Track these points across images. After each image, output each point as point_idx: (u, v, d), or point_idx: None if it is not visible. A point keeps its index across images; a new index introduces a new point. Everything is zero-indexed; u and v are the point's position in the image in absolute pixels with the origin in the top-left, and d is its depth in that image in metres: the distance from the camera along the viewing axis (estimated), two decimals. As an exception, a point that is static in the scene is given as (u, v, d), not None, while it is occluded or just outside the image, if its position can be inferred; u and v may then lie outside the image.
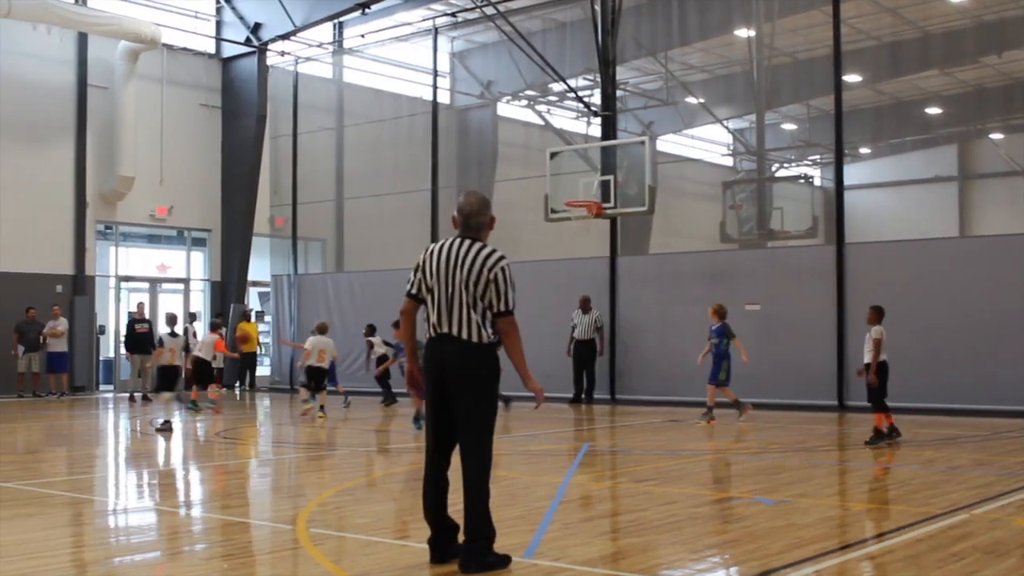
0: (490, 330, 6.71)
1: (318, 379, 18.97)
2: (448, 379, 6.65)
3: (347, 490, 10.46)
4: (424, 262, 6.80)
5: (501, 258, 6.69)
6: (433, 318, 6.73)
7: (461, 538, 6.73)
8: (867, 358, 14.05)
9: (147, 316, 25.32)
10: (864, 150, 39.81)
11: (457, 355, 6.63)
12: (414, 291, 6.84)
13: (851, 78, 28.35)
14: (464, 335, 6.63)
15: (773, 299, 20.66)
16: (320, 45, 28.95)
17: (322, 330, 19.37)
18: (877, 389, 14.00)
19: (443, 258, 6.72)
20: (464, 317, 6.64)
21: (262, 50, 28.23)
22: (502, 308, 6.67)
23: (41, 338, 24.37)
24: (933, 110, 36.24)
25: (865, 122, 35.04)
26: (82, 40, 25.85)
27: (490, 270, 6.63)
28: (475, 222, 6.81)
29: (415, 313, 6.91)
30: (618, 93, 24.45)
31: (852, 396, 19.58)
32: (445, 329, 6.67)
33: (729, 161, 38.06)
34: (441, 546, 6.75)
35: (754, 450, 13.67)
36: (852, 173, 31.77)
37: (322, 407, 18.61)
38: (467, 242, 6.74)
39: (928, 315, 19.04)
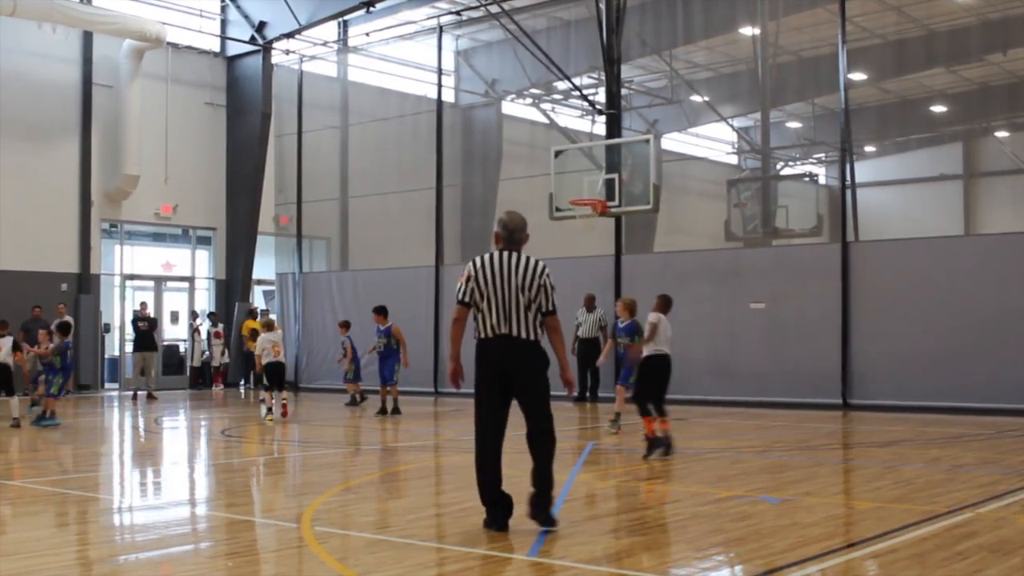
0: (539, 328, 7.76)
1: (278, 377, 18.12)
2: (514, 373, 7.68)
3: (352, 488, 10.47)
4: (477, 272, 7.74)
5: (545, 266, 7.79)
6: (492, 320, 7.69)
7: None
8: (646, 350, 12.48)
9: (151, 314, 25.35)
10: (869, 148, 39.80)
11: (521, 353, 7.70)
12: (467, 299, 7.76)
13: (856, 76, 28.35)
14: (524, 335, 7.68)
15: (778, 298, 20.65)
16: (324, 43, 28.95)
17: (269, 326, 18.97)
18: (645, 386, 12.46)
19: (496, 268, 7.73)
20: (522, 319, 7.68)
21: (267, 48, 28.24)
22: (550, 308, 7.77)
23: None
24: (938, 108, 36.19)
25: (870, 120, 35.04)
26: (87, 39, 25.86)
27: (540, 276, 7.72)
28: (518, 237, 7.90)
29: (466, 319, 7.82)
30: (623, 91, 24.46)
31: (860, 395, 19.57)
32: (504, 330, 7.68)
33: (734, 159, 38.06)
34: (502, 518, 7.68)
35: (759, 448, 13.66)
36: (857, 171, 31.73)
37: (270, 408, 17.71)
38: (514, 254, 7.81)
39: (933, 313, 19.03)
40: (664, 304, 12.69)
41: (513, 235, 7.88)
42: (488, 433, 7.74)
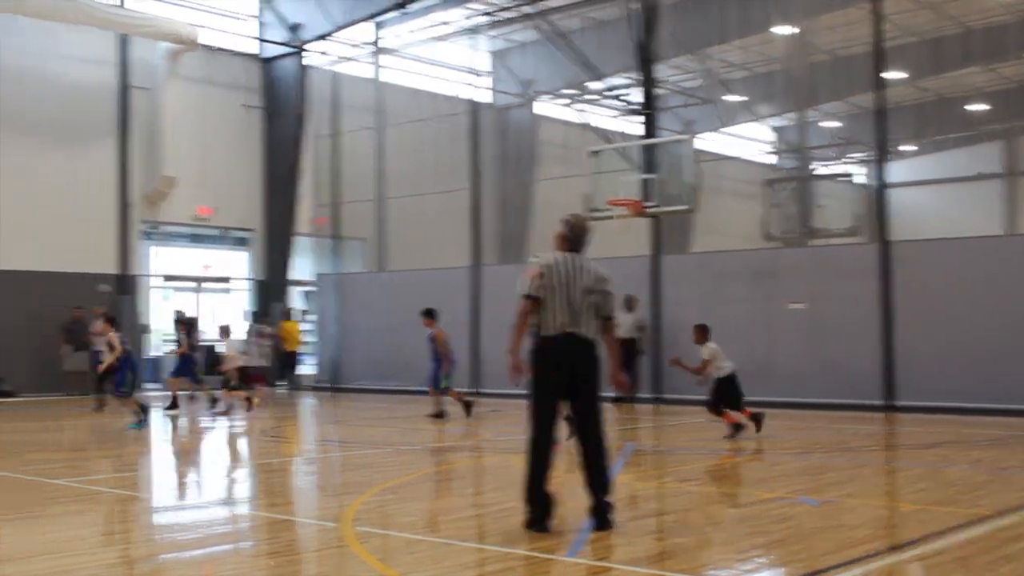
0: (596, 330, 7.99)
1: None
2: (578, 369, 7.81)
3: (391, 488, 10.47)
4: (547, 270, 7.84)
5: (606, 273, 8.00)
6: (560, 318, 7.79)
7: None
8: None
9: (188, 315, 25.50)
10: (906, 148, 39.54)
11: (587, 351, 7.85)
12: (536, 294, 7.81)
13: (893, 75, 28.15)
14: (589, 334, 7.86)
15: (816, 298, 20.52)
16: (359, 45, 29.05)
17: (226, 332, 20.17)
18: (719, 398, 14.47)
19: (567, 269, 7.86)
20: (587, 319, 7.85)
21: (302, 50, 28.36)
22: (611, 314, 8.04)
23: (87, 337, 24.60)
24: (976, 107, 35.91)
25: (907, 119, 34.82)
26: (124, 42, 26.06)
27: (605, 282, 7.96)
28: (583, 240, 8.10)
29: (532, 315, 7.85)
30: (658, 91, 24.38)
31: (900, 396, 19.41)
32: (572, 329, 7.79)
33: (770, 159, 37.92)
34: (544, 518, 7.68)
35: (798, 450, 13.58)
36: (894, 171, 31.54)
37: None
38: (580, 257, 8.00)
39: (973, 313, 18.85)
40: (703, 333, 14.68)
41: (580, 238, 8.07)
42: (547, 430, 7.78)
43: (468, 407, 18.27)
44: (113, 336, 17.32)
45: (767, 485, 10.35)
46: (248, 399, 19.02)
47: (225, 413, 18.74)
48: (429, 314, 18.26)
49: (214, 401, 19.44)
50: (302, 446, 15.50)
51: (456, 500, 10.10)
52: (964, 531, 7.73)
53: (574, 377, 7.81)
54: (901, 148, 38.88)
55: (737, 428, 14.34)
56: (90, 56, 25.69)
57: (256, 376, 27.76)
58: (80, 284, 25.12)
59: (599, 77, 23.99)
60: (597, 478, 7.82)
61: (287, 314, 28.31)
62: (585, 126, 32.66)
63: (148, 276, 27.50)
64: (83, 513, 9.10)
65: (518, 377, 7.92)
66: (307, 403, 23.90)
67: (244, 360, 19.54)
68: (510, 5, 25.39)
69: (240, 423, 17.73)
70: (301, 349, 28.85)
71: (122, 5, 25.62)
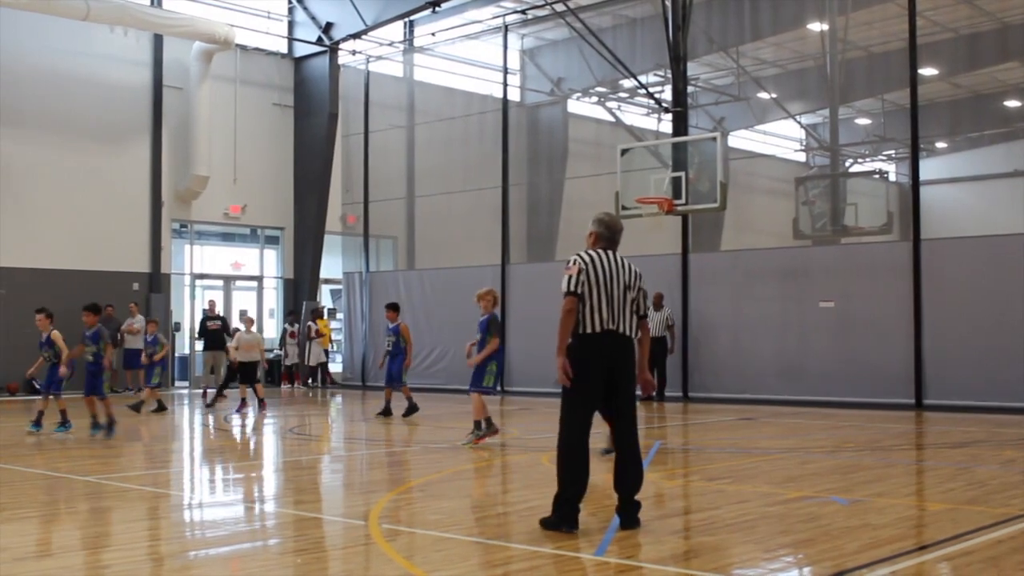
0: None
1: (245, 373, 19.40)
2: (617, 367, 7.76)
3: (419, 486, 10.50)
4: (588, 267, 7.77)
5: (639, 270, 8.04)
6: (601, 315, 7.73)
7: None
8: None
9: (219, 313, 25.61)
10: (940, 144, 39.18)
11: (627, 349, 7.85)
12: (579, 291, 7.72)
13: (927, 71, 27.90)
14: (628, 332, 7.86)
15: (848, 296, 20.42)
16: (391, 44, 29.10)
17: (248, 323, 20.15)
18: None
19: (607, 266, 7.82)
20: (628, 317, 7.85)
21: (333, 49, 28.46)
22: (645, 312, 8.06)
23: (119, 335, 24.77)
24: (1012, 103, 35.51)
25: (941, 116, 34.47)
26: (158, 41, 26.27)
27: (640, 279, 7.99)
28: (618, 239, 8.08)
29: (577, 312, 7.73)
30: (689, 89, 24.30)
31: (930, 395, 19.28)
32: (613, 326, 7.76)
33: (802, 157, 37.69)
34: (576, 516, 7.63)
35: (828, 449, 13.51)
36: (928, 168, 31.29)
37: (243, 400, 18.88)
38: (618, 255, 7.99)
39: (1006, 312, 18.70)
40: None
41: (615, 236, 8.05)
42: (584, 429, 7.72)
43: (389, 411, 18.15)
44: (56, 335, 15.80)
45: (796, 484, 10.30)
46: (243, 401, 19.00)
47: (242, 408, 18.81)
48: (395, 308, 18.50)
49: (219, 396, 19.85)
50: (330, 444, 15.55)
51: (483, 498, 10.10)
52: (994, 531, 7.67)
53: (613, 375, 7.75)
54: (935, 145, 38.55)
55: None
56: (125, 56, 25.92)
57: (290, 374, 28.04)
58: (112, 282, 25.31)
59: (630, 75, 23.86)
60: (627, 476, 7.79)
61: (319, 312, 28.43)
62: (616, 124, 32.59)
63: (182, 274, 27.70)
64: (113, 510, 9.16)
65: (567, 378, 7.65)
66: (336, 401, 23.97)
67: (248, 356, 19.49)
68: (541, 3, 25.36)
69: (270, 420, 17.83)
70: (331, 347, 29.04)
71: (160, 6, 25.87)
